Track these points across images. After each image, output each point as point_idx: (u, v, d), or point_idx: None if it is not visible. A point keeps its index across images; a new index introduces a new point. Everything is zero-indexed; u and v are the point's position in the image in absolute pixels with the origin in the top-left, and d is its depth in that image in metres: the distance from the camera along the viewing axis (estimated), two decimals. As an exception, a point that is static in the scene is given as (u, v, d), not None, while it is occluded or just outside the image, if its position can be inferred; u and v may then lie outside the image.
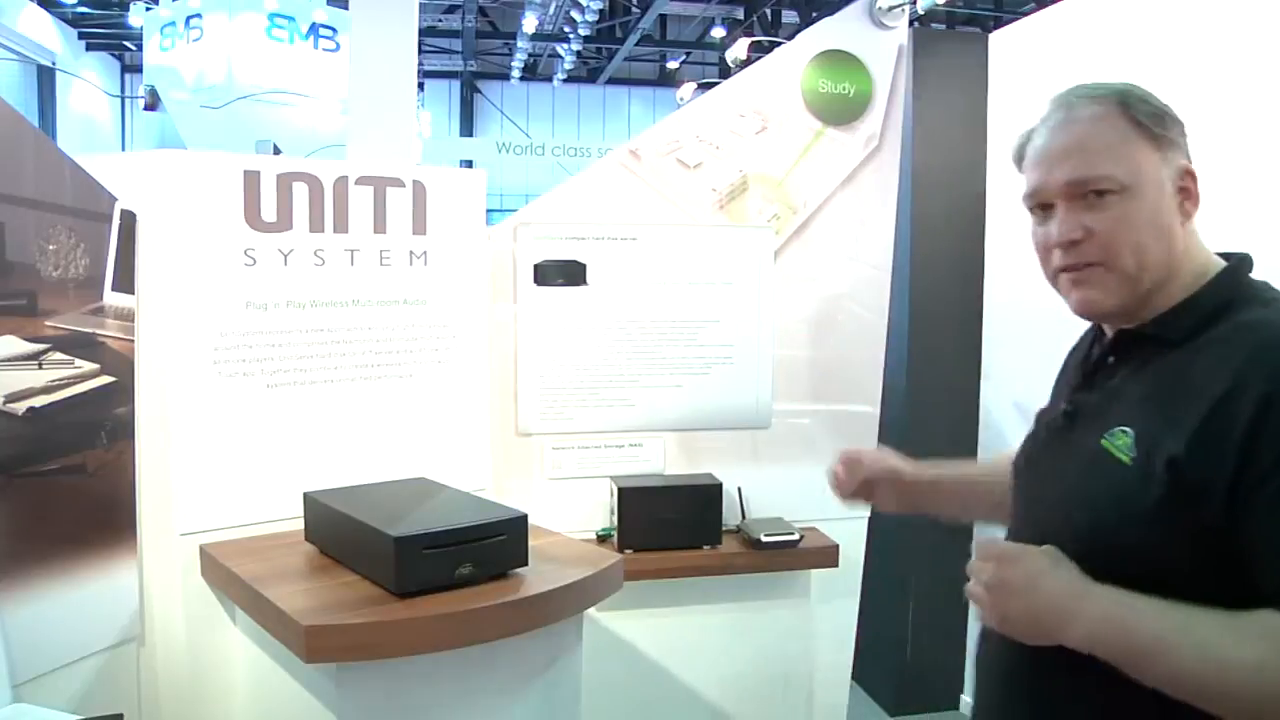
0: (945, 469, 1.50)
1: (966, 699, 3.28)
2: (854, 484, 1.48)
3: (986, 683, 1.24)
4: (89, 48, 16.08)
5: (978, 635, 1.25)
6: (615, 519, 2.31)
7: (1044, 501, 1.17)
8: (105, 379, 1.80)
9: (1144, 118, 1.09)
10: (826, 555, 2.38)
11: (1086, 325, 1.25)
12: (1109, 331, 1.18)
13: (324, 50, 8.12)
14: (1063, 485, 1.13)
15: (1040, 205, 1.14)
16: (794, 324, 2.48)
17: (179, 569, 1.89)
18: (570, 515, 2.31)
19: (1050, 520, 1.12)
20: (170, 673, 1.90)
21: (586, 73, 18.45)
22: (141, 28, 9.05)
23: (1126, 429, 1.05)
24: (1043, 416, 1.28)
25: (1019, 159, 1.19)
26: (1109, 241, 1.07)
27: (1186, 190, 1.10)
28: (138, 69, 13.72)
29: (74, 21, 15.01)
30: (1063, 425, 1.18)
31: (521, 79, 17.66)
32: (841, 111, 2.48)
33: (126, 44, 15.81)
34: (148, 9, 9.04)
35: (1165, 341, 1.08)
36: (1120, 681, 0.98)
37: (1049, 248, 1.12)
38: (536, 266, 2.33)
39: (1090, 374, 1.18)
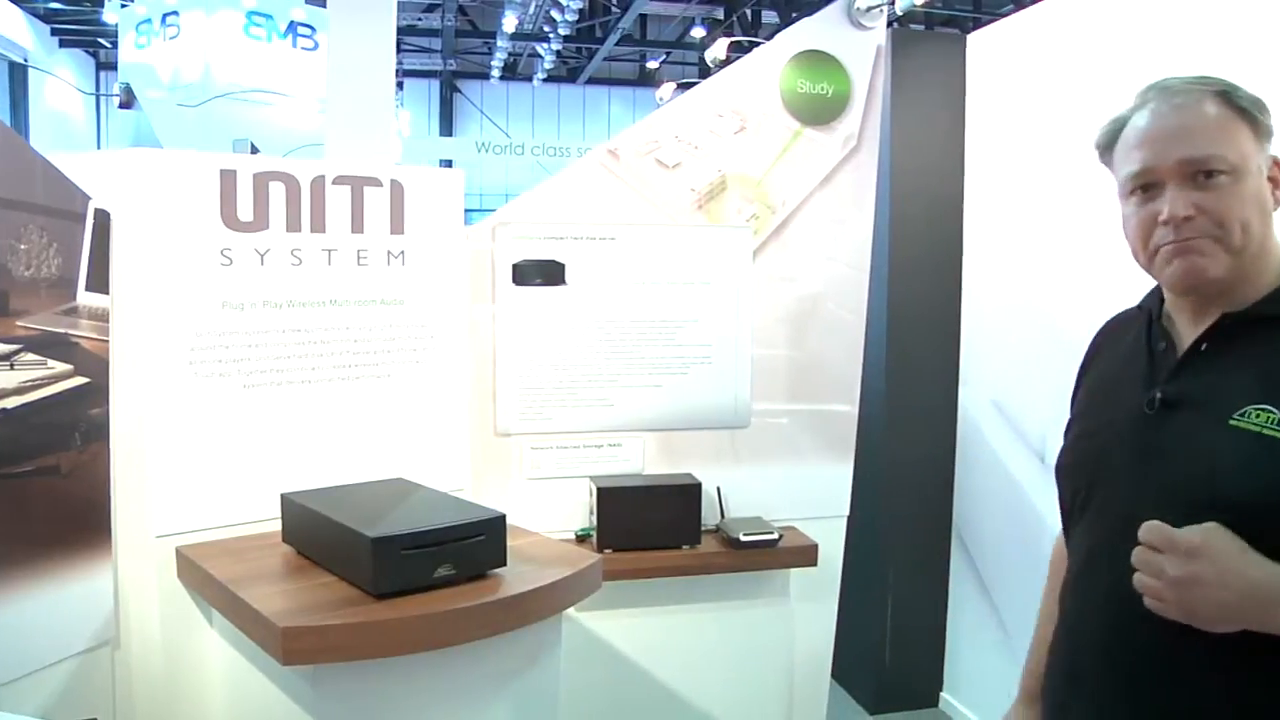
0: (1033, 661, 1.42)
1: (946, 696, 3.31)
2: None
3: (1099, 672, 1.19)
4: (62, 44, 15.91)
5: (1066, 639, 1.24)
6: (594, 519, 2.31)
7: (1155, 491, 1.12)
8: (79, 380, 1.78)
9: (1246, 104, 1.13)
10: (805, 554, 2.39)
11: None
12: (1183, 323, 1.18)
13: (302, 49, 8.05)
14: (1187, 469, 1.10)
15: (1144, 186, 1.15)
16: (772, 324, 2.49)
17: (154, 571, 1.88)
18: (549, 515, 2.31)
19: (1181, 505, 1.07)
20: (145, 676, 1.88)
21: (566, 72, 18.43)
22: (116, 25, 8.95)
23: (1266, 406, 1.05)
24: (1097, 419, 1.26)
25: (1107, 145, 1.20)
26: (1220, 219, 1.10)
27: (1275, 180, 1.15)
28: (113, 66, 13.61)
29: (46, 17, 14.85)
30: (1158, 415, 1.15)
31: (501, 78, 17.61)
32: (820, 112, 2.49)
33: (101, 41, 15.66)
34: (123, 5, 8.94)
35: None
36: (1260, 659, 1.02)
37: (1152, 226, 1.13)
38: (515, 266, 2.33)
39: (1178, 364, 1.17)
